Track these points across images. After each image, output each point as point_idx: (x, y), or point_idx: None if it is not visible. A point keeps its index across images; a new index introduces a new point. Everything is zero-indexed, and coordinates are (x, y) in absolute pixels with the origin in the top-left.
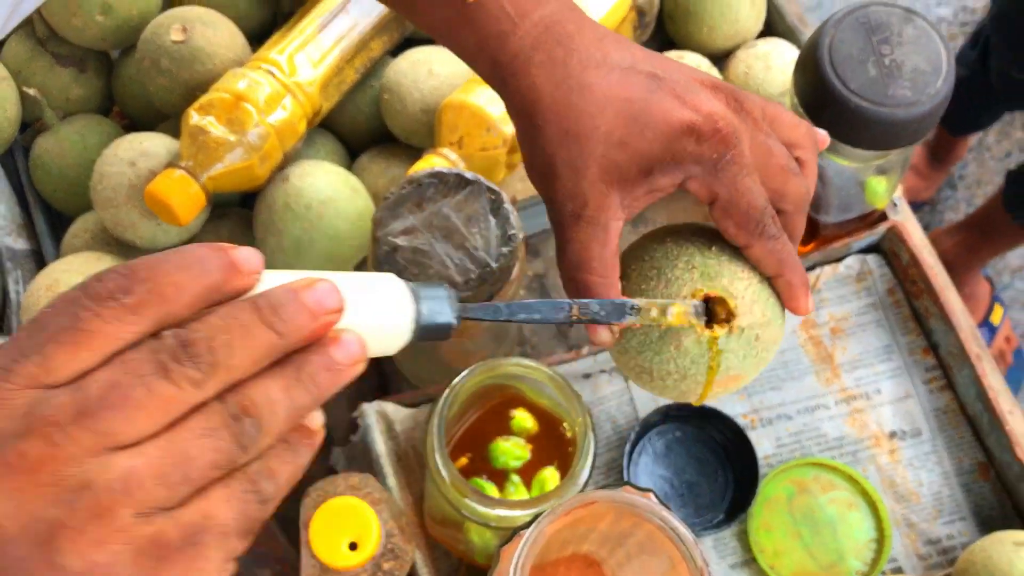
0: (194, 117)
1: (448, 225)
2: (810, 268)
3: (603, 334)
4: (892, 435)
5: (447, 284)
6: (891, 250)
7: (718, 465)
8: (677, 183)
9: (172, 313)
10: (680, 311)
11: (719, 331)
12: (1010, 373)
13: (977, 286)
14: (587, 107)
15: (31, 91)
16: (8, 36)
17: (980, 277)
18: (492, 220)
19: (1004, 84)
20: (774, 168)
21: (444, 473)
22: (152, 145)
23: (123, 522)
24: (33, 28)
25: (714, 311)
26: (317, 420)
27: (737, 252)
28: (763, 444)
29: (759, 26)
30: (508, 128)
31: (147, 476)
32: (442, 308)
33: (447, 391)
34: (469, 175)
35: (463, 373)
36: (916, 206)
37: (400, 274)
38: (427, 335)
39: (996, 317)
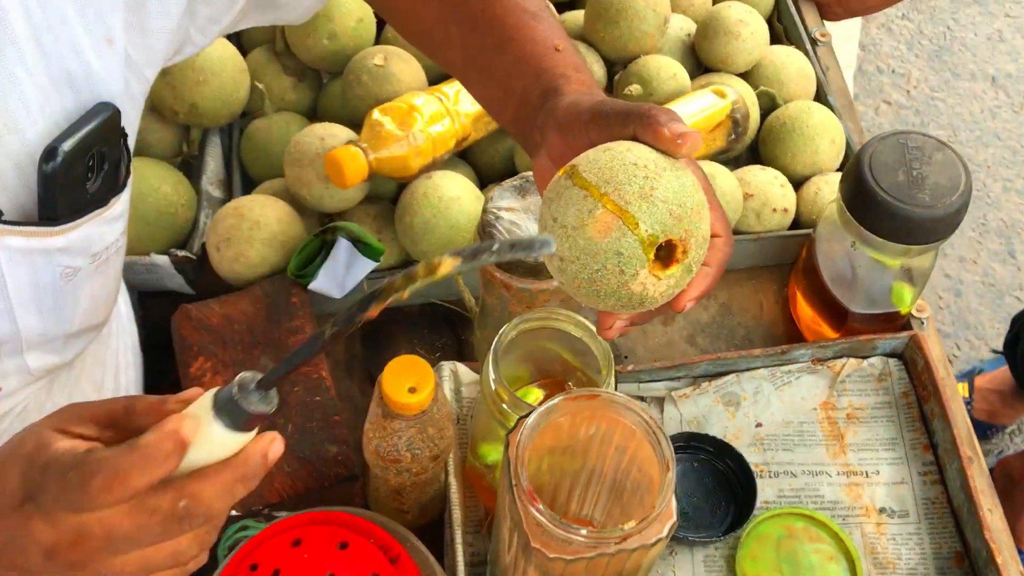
0: (376, 114)
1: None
2: (837, 356)
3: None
4: (882, 511)
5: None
6: (911, 358)
7: (723, 497)
8: None
9: None
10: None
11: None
12: None
13: None
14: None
15: (260, 85)
16: (255, 46)
17: None
18: None
19: None
20: None
21: (491, 374)
22: (340, 131)
23: None
24: (274, 42)
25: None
26: None
27: None
28: (766, 491)
29: (837, 161)
30: None
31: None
32: (240, 408)
33: (504, 327)
34: None
35: (514, 320)
36: (994, 429)
37: (494, 236)
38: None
39: None
